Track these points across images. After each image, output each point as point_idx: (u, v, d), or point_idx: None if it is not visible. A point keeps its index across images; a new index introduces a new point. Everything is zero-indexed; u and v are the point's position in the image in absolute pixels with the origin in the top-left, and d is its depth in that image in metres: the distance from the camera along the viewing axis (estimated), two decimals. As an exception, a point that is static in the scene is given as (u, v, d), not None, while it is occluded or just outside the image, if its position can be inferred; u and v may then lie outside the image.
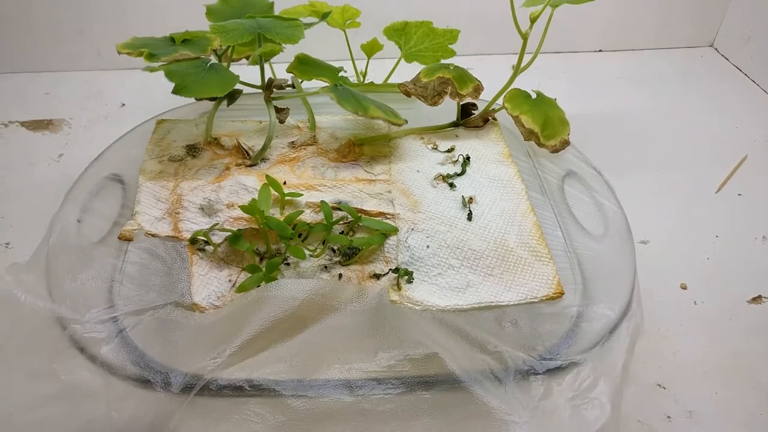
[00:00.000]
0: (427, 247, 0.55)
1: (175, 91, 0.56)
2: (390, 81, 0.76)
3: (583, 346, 0.49)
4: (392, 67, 0.75)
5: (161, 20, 0.92)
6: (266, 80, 0.66)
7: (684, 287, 0.65)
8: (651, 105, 0.94)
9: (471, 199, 0.60)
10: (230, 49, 0.66)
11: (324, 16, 0.70)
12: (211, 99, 0.67)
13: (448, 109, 0.70)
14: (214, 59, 0.63)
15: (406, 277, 0.52)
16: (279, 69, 0.71)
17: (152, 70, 0.58)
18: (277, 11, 0.71)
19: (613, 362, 0.48)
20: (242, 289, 0.50)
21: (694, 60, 1.07)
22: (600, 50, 1.08)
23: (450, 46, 0.74)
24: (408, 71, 0.74)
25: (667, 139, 0.86)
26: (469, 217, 0.58)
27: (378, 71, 0.76)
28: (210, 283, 0.51)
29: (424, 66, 0.70)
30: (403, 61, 0.75)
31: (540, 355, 0.48)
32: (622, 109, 0.92)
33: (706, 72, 1.04)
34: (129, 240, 0.54)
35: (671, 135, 0.87)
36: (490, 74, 0.71)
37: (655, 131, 0.88)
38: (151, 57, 0.58)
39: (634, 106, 0.93)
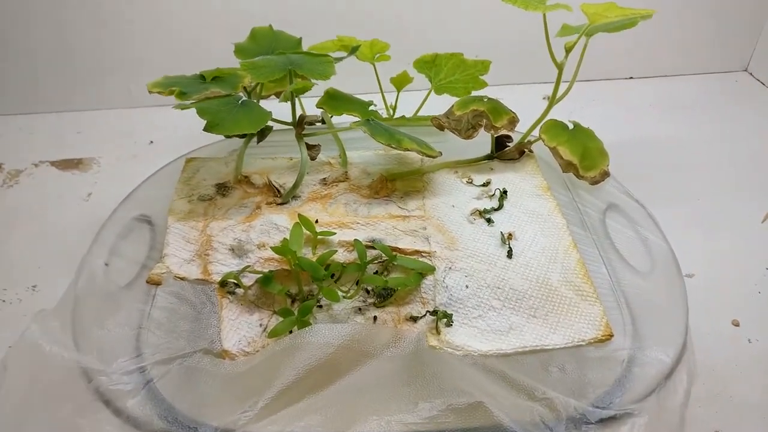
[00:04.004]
0: (466, 287, 0.54)
1: (207, 129, 0.55)
2: (420, 114, 0.75)
3: (637, 393, 0.47)
4: (422, 100, 0.75)
5: (191, 59, 0.93)
6: (297, 117, 0.66)
7: (736, 324, 0.62)
8: (687, 132, 0.92)
9: (510, 235, 0.59)
10: (259, 86, 0.66)
11: (353, 50, 0.70)
12: (241, 136, 0.67)
13: (481, 142, 0.69)
14: (243, 96, 0.62)
15: (445, 320, 0.51)
16: (308, 104, 0.71)
17: (183, 107, 0.58)
18: (304, 47, 0.71)
19: (670, 413, 0.46)
20: (274, 334, 0.49)
21: (729, 85, 1.05)
22: (631, 77, 1.07)
23: (481, 77, 0.73)
24: (437, 103, 0.73)
25: (706, 167, 0.84)
26: (509, 255, 0.57)
27: (407, 104, 0.76)
28: (240, 328, 0.51)
29: (455, 98, 0.70)
30: (433, 93, 0.74)
31: (592, 403, 0.46)
32: (658, 136, 0.91)
33: (742, 97, 1.02)
34: (157, 284, 0.53)
35: (710, 162, 0.85)
36: (522, 104, 0.71)
37: (693, 159, 0.86)
38: (181, 95, 0.58)
39: (669, 133, 0.92)
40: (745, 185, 0.81)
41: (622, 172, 0.69)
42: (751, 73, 1.07)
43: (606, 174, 0.65)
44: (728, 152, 0.87)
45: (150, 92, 0.59)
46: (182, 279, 0.54)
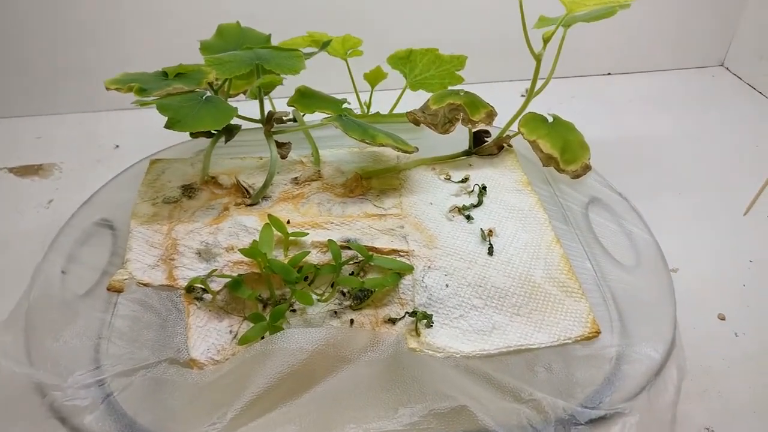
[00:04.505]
0: (446, 286, 0.53)
1: (168, 126, 0.53)
2: (396, 111, 0.74)
3: (627, 391, 0.46)
4: (398, 97, 0.73)
5: (159, 61, 0.90)
6: (266, 113, 0.64)
7: (722, 318, 0.61)
8: (666, 127, 0.92)
9: (490, 231, 0.58)
10: (227, 83, 0.64)
11: (324, 45, 0.68)
12: (208, 135, 0.65)
13: (459, 138, 0.68)
14: (208, 93, 0.60)
15: (425, 321, 0.50)
16: (279, 104, 0.69)
17: (143, 104, 0.55)
18: (273, 44, 0.69)
19: (661, 411, 0.45)
20: (245, 340, 0.47)
21: (706, 80, 1.06)
22: (609, 73, 1.07)
23: (457, 72, 0.72)
24: (413, 100, 0.72)
25: (686, 161, 0.84)
26: (490, 252, 0.56)
27: (382, 103, 0.74)
28: (209, 336, 0.48)
29: (431, 94, 0.68)
30: (408, 90, 0.73)
31: (580, 403, 0.45)
32: (637, 132, 0.91)
33: (720, 91, 1.03)
34: (119, 291, 0.51)
35: (690, 156, 0.85)
36: (500, 101, 0.70)
37: (673, 153, 0.86)
38: (141, 92, 0.55)
39: (649, 128, 0.92)
40: (725, 178, 0.80)
41: (603, 168, 0.68)
42: (727, 68, 1.08)
43: (587, 167, 0.63)
44: (707, 146, 0.87)
45: (107, 89, 0.57)
46: (146, 285, 0.52)
